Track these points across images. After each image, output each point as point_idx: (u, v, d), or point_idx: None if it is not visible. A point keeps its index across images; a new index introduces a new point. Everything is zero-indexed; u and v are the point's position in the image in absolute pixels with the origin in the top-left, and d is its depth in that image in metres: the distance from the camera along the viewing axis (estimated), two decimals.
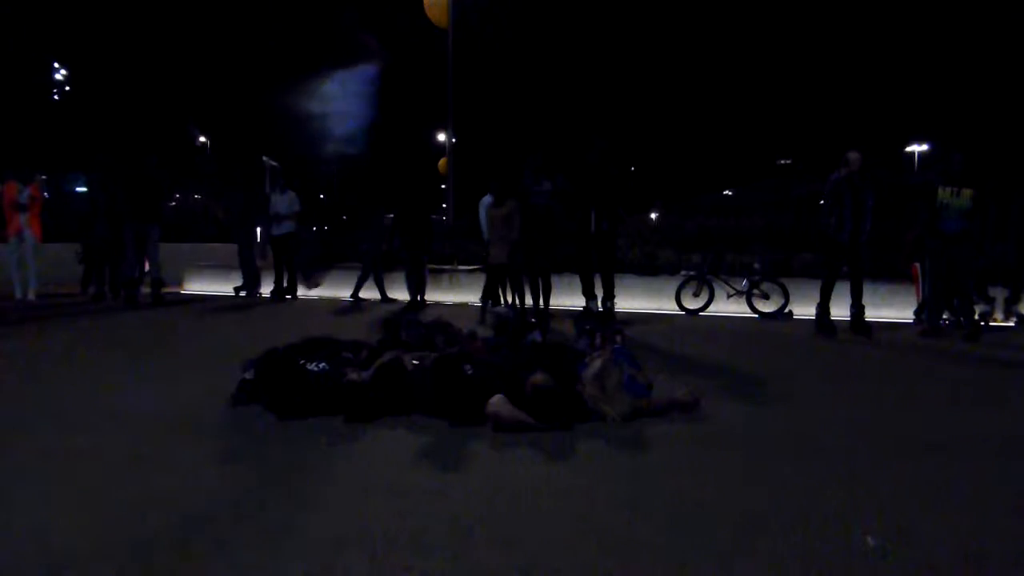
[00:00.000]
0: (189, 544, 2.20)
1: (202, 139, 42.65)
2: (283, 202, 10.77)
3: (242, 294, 11.02)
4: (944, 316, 8.05)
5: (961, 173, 7.48)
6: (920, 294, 8.78)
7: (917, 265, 8.77)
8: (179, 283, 12.45)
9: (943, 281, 7.69)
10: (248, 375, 4.05)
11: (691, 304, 9.64)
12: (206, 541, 2.22)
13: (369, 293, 10.53)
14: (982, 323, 8.28)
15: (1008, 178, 9.11)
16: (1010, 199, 8.76)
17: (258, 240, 11.36)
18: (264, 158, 14.69)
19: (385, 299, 10.42)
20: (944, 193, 7.46)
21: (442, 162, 20.44)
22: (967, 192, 7.39)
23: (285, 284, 10.91)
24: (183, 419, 3.69)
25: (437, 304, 10.24)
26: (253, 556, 2.12)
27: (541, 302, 8.64)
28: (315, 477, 2.84)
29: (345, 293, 11.23)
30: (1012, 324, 8.75)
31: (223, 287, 11.72)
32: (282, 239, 10.78)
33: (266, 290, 11.11)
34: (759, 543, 2.27)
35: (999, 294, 8.85)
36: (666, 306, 10.02)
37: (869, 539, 2.32)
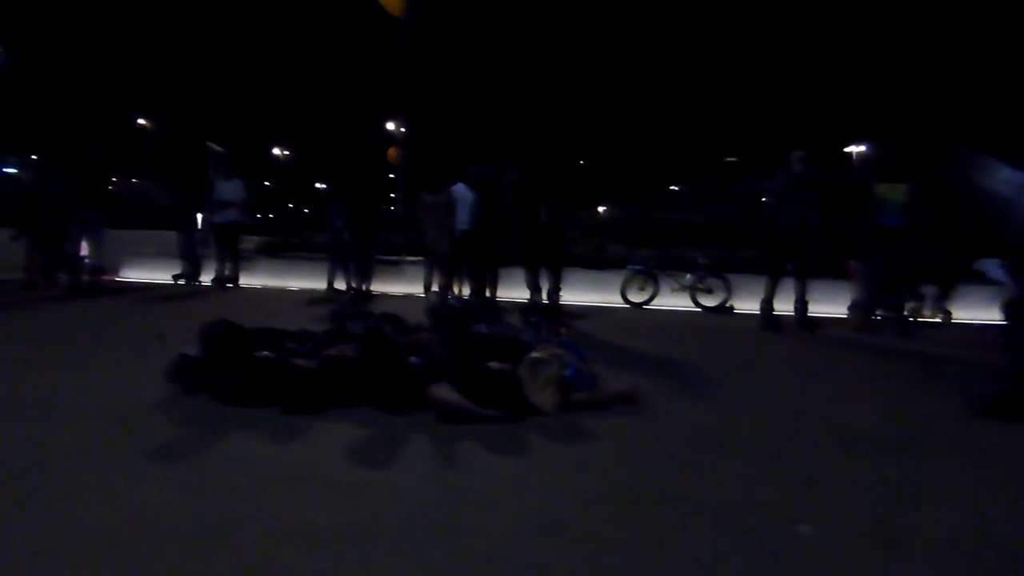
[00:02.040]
0: (125, 540, 2.14)
1: (141, 122, 41.27)
2: (228, 189, 10.51)
3: (182, 282, 10.74)
4: (877, 312, 8.34)
5: (896, 171, 7.78)
6: (856, 290, 9.06)
7: (854, 262, 9.04)
8: (115, 270, 12.03)
9: (879, 277, 7.97)
10: (191, 351, 3.95)
11: (636, 297, 9.79)
12: (144, 537, 2.16)
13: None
14: (912, 319, 8.61)
15: (938, 177, 9.46)
16: (941, 198, 9.10)
17: (200, 227, 11.08)
18: (208, 143, 14.32)
19: (331, 289, 10.29)
20: (881, 188, 7.74)
21: (391, 151, 20.22)
22: (901, 188, 7.69)
23: (228, 273, 10.67)
24: (120, 410, 3.58)
25: (384, 295, 10.16)
26: (192, 552, 2.08)
27: (488, 294, 8.65)
28: (257, 470, 2.78)
29: (290, 283, 11.07)
30: (940, 320, 9.12)
31: (162, 275, 11.39)
32: (226, 227, 10.53)
33: (207, 278, 10.86)
34: (697, 533, 2.33)
35: (928, 291, 9.21)
36: (613, 299, 10.14)
37: (803, 527, 2.40)
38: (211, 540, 2.15)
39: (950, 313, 9.23)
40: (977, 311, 9.95)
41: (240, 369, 3.79)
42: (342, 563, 2.03)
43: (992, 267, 11.49)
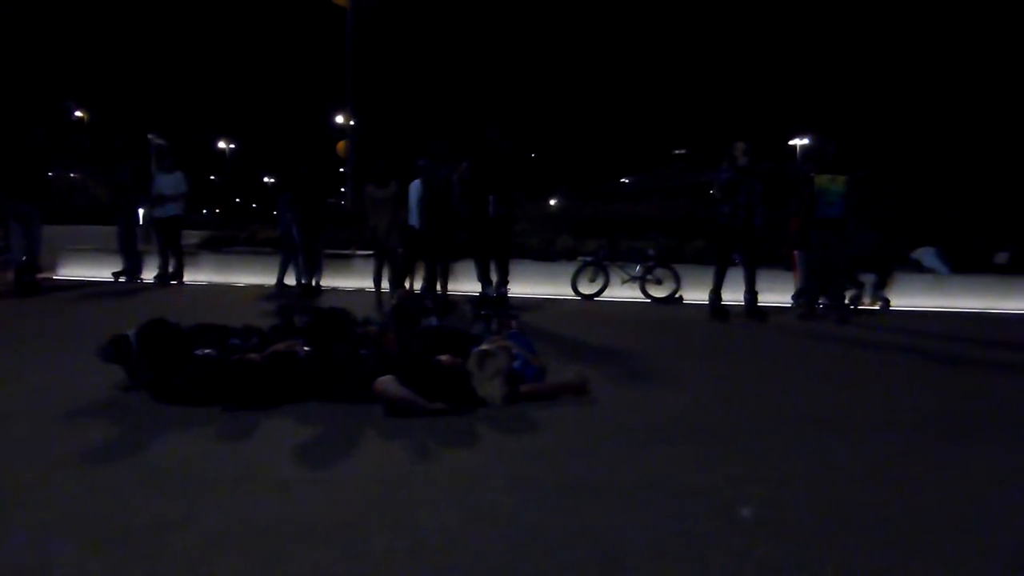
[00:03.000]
0: (52, 544, 2.07)
1: (79, 113, 39.80)
2: (168, 182, 10.22)
3: (122, 280, 10.41)
4: (820, 300, 8.58)
5: (835, 162, 8.03)
6: (798, 279, 9.31)
7: (797, 252, 9.29)
8: (52, 268, 11.59)
9: (820, 266, 8.20)
10: (131, 334, 3.84)
11: (587, 289, 9.87)
12: (73, 542, 2.09)
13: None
14: (852, 306, 8.89)
15: (877, 169, 9.80)
16: (878, 189, 9.44)
17: (140, 222, 10.76)
18: (150, 136, 13.89)
19: (281, 285, 10.12)
20: (822, 179, 7.97)
21: (340, 144, 19.91)
22: (841, 179, 7.94)
23: (171, 269, 10.39)
24: (55, 412, 3.44)
25: (334, 290, 10.03)
26: (123, 555, 2.02)
27: (439, 288, 8.61)
28: (196, 470, 2.72)
29: (237, 279, 10.85)
30: (878, 307, 9.44)
31: (102, 272, 11.03)
32: (167, 222, 10.25)
33: (149, 275, 10.55)
34: (641, 520, 2.36)
35: (867, 279, 9.52)
36: (563, 291, 10.19)
37: (743, 510, 2.46)
38: (143, 543, 2.09)
39: (888, 301, 9.55)
40: (914, 298, 10.34)
41: (179, 369, 3.70)
42: (282, 562, 2.00)
43: (927, 256, 12.00)
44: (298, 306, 5.61)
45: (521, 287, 9.87)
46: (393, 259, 9.02)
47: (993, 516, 2.48)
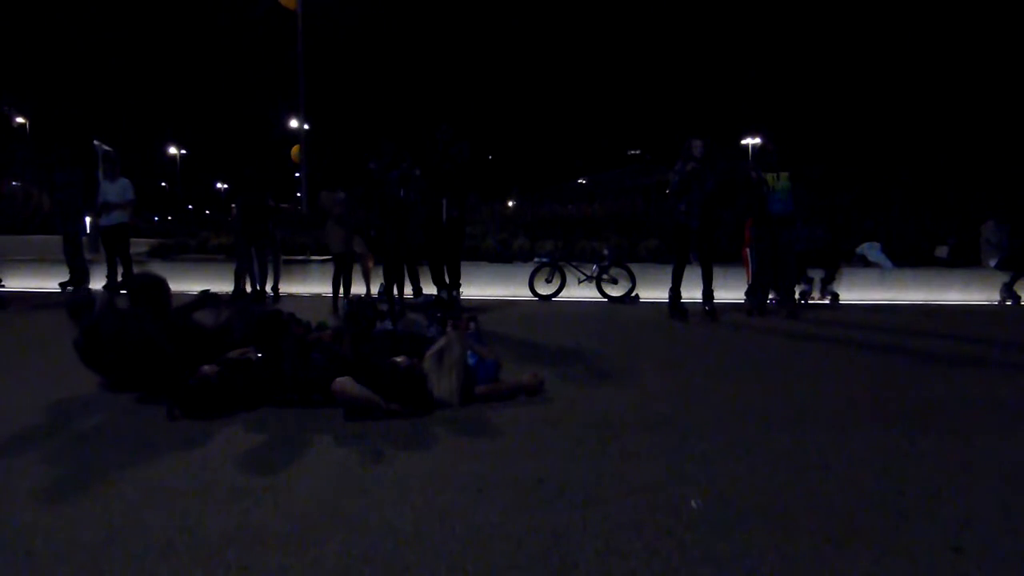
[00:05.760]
0: None
1: (19, 120, 38.56)
2: (114, 190, 9.99)
3: (69, 290, 10.15)
4: (771, 296, 8.76)
5: (776, 160, 8.21)
6: (750, 276, 9.51)
7: (747, 250, 9.49)
8: None
9: (769, 262, 8.37)
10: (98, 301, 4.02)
11: (544, 290, 9.94)
12: (16, 557, 2.05)
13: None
14: (802, 301, 9.11)
15: (825, 167, 10.06)
16: (827, 187, 9.70)
17: (87, 232, 10.47)
18: (96, 142, 13.56)
19: (238, 292, 9.96)
20: (767, 178, 8.14)
21: (295, 149, 19.72)
22: (784, 175, 8.13)
23: (119, 278, 10.16)
24: (2, 428, 3.38)
25: (290, 296, 9.92)
26: (68, 567, 1.99)
27: (396, 291, 8.58)
28: (147, 479, 2.68)
29: (189, 287, 10.66)
30: (827, 302, 9.70)
31: (47, 283, 10.74)
32: (113, 230, 10.01)
33: (97, 285, 10.29)
34: (594, 516, 2.40)
35: (816, 274, 9.77)
36: (520, 292, 10.24)
37: (693, 502, 2.52)
38: (90, 555, 2.06)
39: (837, 295, 9.82)
40: (862, 292, 10.66)
41: (161, 317, 3.96)
42: (233, 569, 1.99)
43: (872, 251, 12.36)
44: (248, 311, 5.53)
45: (478, 289, 9.90)
46: (351, 265, 8.95)
47: (933, 503, 2.58)
